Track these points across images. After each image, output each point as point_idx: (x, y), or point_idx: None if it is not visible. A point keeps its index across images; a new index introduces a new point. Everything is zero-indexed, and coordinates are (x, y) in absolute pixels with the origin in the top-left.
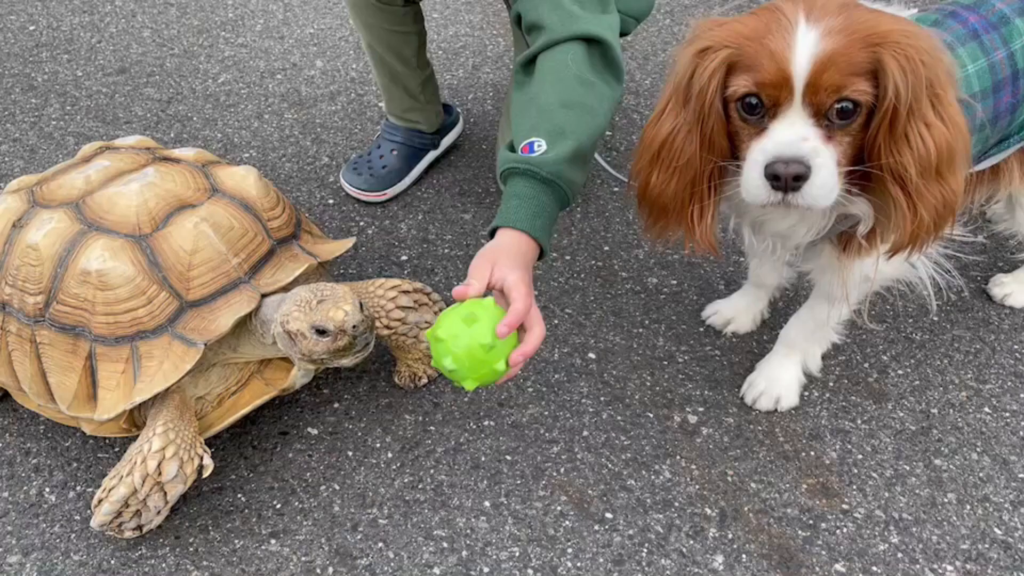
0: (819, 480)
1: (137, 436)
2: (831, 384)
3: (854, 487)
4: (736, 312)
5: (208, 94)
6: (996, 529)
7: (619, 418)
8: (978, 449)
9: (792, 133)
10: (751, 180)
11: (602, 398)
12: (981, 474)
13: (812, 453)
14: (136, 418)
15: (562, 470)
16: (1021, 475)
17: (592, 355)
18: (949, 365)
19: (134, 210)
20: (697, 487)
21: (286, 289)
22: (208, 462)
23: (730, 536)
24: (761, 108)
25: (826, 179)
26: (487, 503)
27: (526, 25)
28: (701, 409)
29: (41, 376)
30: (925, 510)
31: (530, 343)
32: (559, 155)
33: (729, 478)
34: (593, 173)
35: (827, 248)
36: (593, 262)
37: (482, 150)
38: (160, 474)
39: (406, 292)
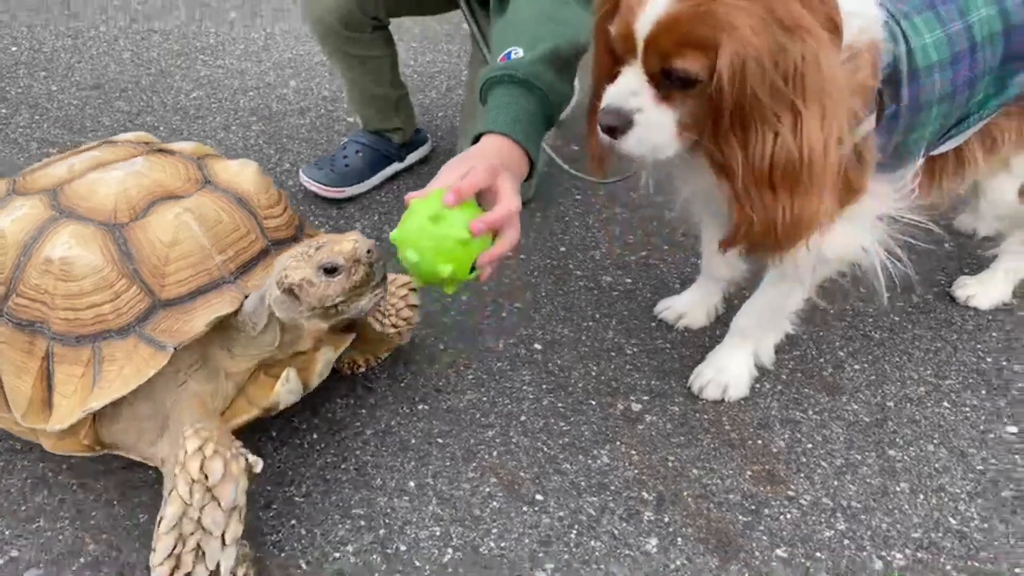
0: (765, 467)
1: (101, 455)
2: (784, 377)
3: (802, 475)
4: (689, 306)
5: (178, 107)
6: (951, 518)
7: (560, 405)
8: (935, 441)
9: (623, 86)
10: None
11: (544, 386)
12: (937, 465)
13: (760, 442)
14: (101, 435)
15: (495, 453)
16: (979, 467)
17: (538, 346)
18: (908, 362)
19: (112, 198)
20: (636, 472)
21: None
22: (254, 458)
23: (666, 520)
24: (619, 54)
25: (645, 135)
26: (411, 483)
27: None
28: (646, 398)
29: None
30: (876, 498)
31: (500, 247)
32: (535, 56)
33: (670, 464)
34: (556, 180)
35: None
36: (548, 261)
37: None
38: (206, 477)
39: (414, 290)
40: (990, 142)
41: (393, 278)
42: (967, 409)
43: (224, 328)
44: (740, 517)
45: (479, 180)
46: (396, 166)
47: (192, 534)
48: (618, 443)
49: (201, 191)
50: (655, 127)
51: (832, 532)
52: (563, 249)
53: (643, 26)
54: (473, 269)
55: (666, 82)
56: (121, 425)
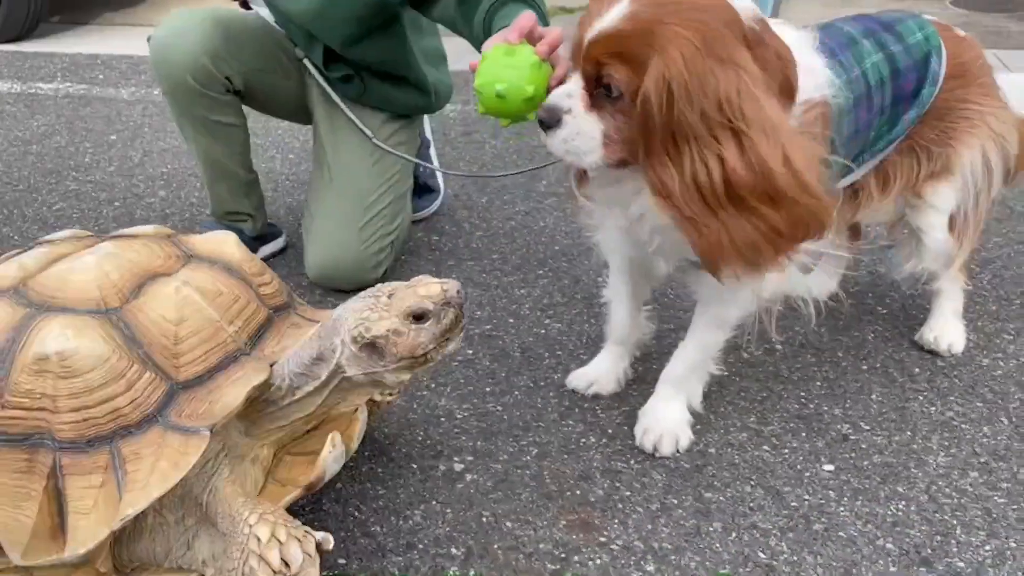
0: (580, 516)
1: None
2: (610, 431)
3: (616, 521)
4: (599, 374)
5: (38, 218)
6: (760, 553)
7: (380, 470)
8: (752, 482)
9: (564, 88)
10: None
11: (366, 453)
12: (752, 504)
13: (578, 492)
14: (119, 558)
15: (301, 520)
16: (793, 504)
17: None
18: (733, 411)
19: (94, 284)
20: (448, 529)
21: None
22: (322, 535)
23: (472, 573)
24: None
25: (570, 137)
26: None
27: None
28: (470, 458)
29: None
30: (687, 539)
31: (560, 68)
32: None
33: (484, 519)
34: (411, 257)
35: None
36: None
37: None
38: (288, 566)
39: None
40: (883, 179)
41: None
42: (786, 451)
43: (245, 409)
44: (548, 565)
45: (527, 20)
46: None
47: None
48: (433, 503)
49: (187, 265)
50: (580, 132)
51: (640, 574)
52: None
53: (589, 35)
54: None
55: (598, 91)
56: (147, 539)
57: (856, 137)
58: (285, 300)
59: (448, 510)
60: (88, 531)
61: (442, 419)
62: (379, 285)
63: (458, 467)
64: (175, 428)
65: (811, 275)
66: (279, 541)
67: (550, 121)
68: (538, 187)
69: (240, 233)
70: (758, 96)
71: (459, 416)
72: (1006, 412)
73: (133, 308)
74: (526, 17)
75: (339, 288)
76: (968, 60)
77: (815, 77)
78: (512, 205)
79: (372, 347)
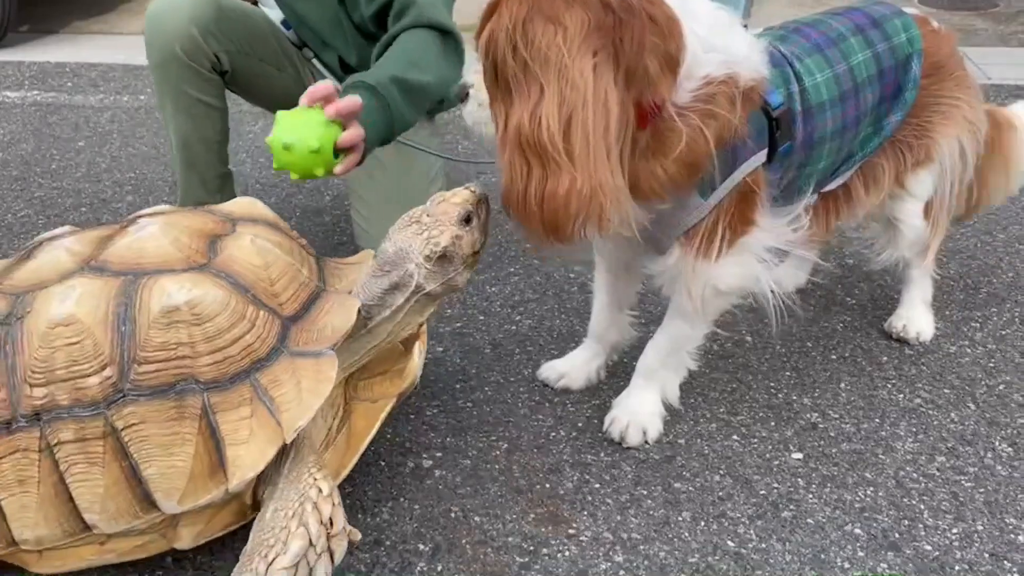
0: (549, 509)
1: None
2: (580, 424)
3: (585, 513)
4: (571, 367)
5: (2, 225)
6: (729, 542)
7: None
8: (721, 472)
9: (473, 66)
10: None
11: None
12: (721, 493)
13: (547, 485)
14: (259, 492)
15: None
16: (762, 492)
17: None
18: (703, 402)
19: (172, 247)
20: (415, 525)
21: None
22: (351, 528)
23: (439, 568)
24: None
25: (473, 106)
26: (167, 558)
27: (396, 9)
28: (439, 455)
29: (127, 479)
30: (656, 529)
31: (351, 133)
32: (383, 74)
33: (453, 514)
34: None
35: (676, 249)
36: None
37: None
38: (332, 524)
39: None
40: (872, 179)
41: None
42: (755, 440)
43: None
44: (517, 559)
45: (320, 90)
46: None
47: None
48: (401, 499)
49: (239, 224)
50: (481, 101)
51: (609, 564)
52: None
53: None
54: (336, 156)
55: None
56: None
57: (844, 133)
58: (315, 254)
59: (416, 506)
60: (251, 457)
61: (411, 416)
62: (402, 218)
63: (427, 463)
64: (301, 354)
65: (779, 270)
66: (333, 502)
67: (460, 95)
68: None
69: None
70: (565, 53)
71: (428, 413)
72: (973, 398)
73: (223, 260)
74: (320, 86)
75: None
76: (943, 56)
77: (724, 55)
78: None
79: (444, 258)
